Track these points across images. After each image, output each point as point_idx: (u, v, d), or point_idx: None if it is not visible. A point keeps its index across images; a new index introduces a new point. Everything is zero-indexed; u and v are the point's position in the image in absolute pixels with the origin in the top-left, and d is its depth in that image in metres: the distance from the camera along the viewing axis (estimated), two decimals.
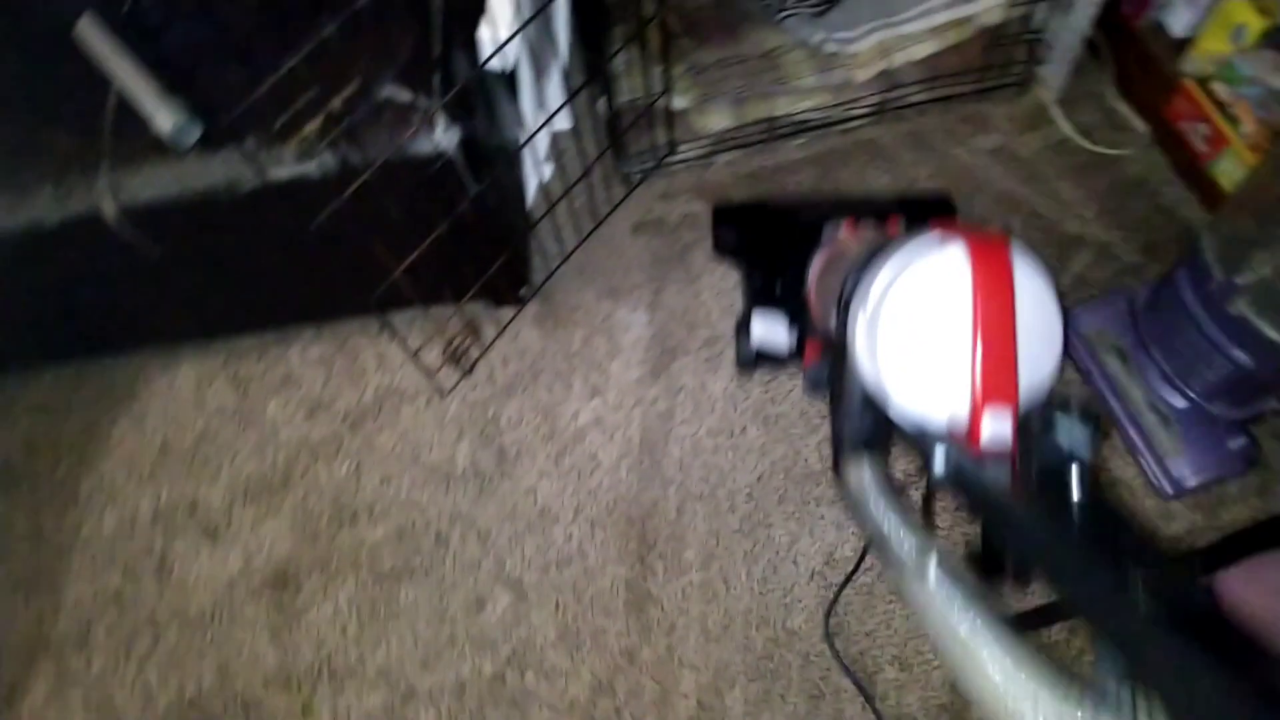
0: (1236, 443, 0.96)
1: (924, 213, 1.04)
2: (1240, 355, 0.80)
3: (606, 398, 1.12)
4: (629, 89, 1.19)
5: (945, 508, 0.98)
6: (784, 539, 1.01)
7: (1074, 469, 0.50)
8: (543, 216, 1.08)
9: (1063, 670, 0.39)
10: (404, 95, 0.81)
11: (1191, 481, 0.96)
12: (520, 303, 1.17)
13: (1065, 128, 1.24)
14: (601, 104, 1.17)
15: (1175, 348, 0.91)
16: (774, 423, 1.07)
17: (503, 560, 1.03)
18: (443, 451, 1.11)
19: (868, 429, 0.67)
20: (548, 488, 1.07)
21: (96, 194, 0.85)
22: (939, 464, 0.57)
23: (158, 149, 0.84)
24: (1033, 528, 0.50)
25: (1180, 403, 0.96)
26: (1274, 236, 0.71)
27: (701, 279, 1.19)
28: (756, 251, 1.06)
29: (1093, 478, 0.50)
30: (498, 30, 0.88)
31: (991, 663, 0.43)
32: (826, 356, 0.78)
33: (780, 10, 1.31)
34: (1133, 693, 0.39)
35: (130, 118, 0.85)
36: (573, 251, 1.20)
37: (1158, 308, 0.92)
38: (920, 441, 0.59)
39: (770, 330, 0.93)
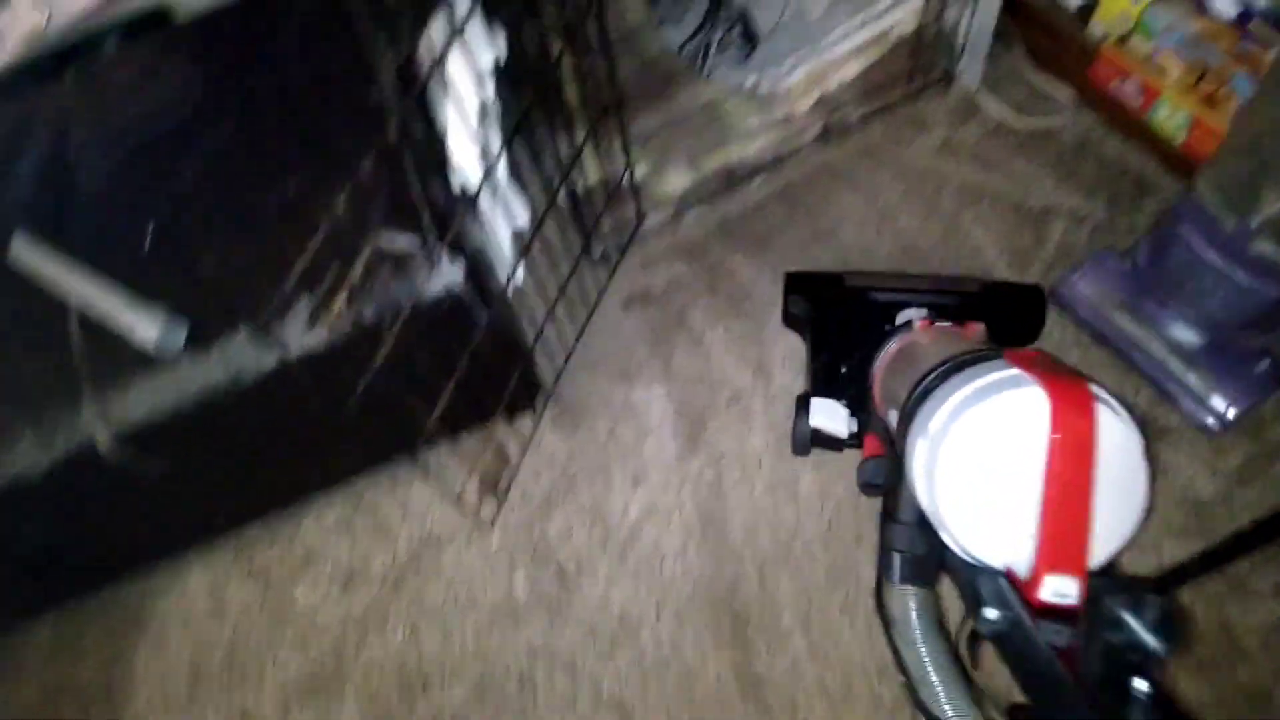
0: (1261, 366, 0.99)
1: (1009, 307, 1.00)
2: (1271, 289, 0.83)
3: (650, 483, 1.08)
4: (586, 173, 1.18)
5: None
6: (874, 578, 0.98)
7: (1139, 678, 0.45)
8: (546, 320, 1.04)
9: None
10: (402, 242, 0.77)
11: (1232, 412, 0.98)
12: (536, 410, 1.13)
13: (997, 111, 1.30)
14: (563, 195, 1.15)
15: (1193, 295, 0.93)
16: (826, 464, 1.05)
17: (598, 684, 0.97)
18: (499, 587, 1.04)
19: (919, 553, 0.62)
20: (620, 594, 1.02)
21: (84, 426, 0.77)
22: (993, 614, 0.53)
23: (142, 361, 0.77)
24: (1060, 694, 0.47)
25: (1199, 340, 0.99)
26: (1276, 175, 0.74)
27: (705, 338, 1.17)
28: (825, 327, 1.01)
29: (1160, 690, 0.44)
30: (467, 152, 0.86)
31: None
32: (885, 461, 0.74)
33: (705, 63, 1.33)
34: None
35: (100, 335, 0.78)
36: (575, 345, 1.17)
37: (1164, 263, 0.95)
38: (972, 580, 0.55)
39: (830, 417, 0.88)
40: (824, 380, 0.94)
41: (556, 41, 0.90)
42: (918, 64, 1.28)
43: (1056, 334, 1.09)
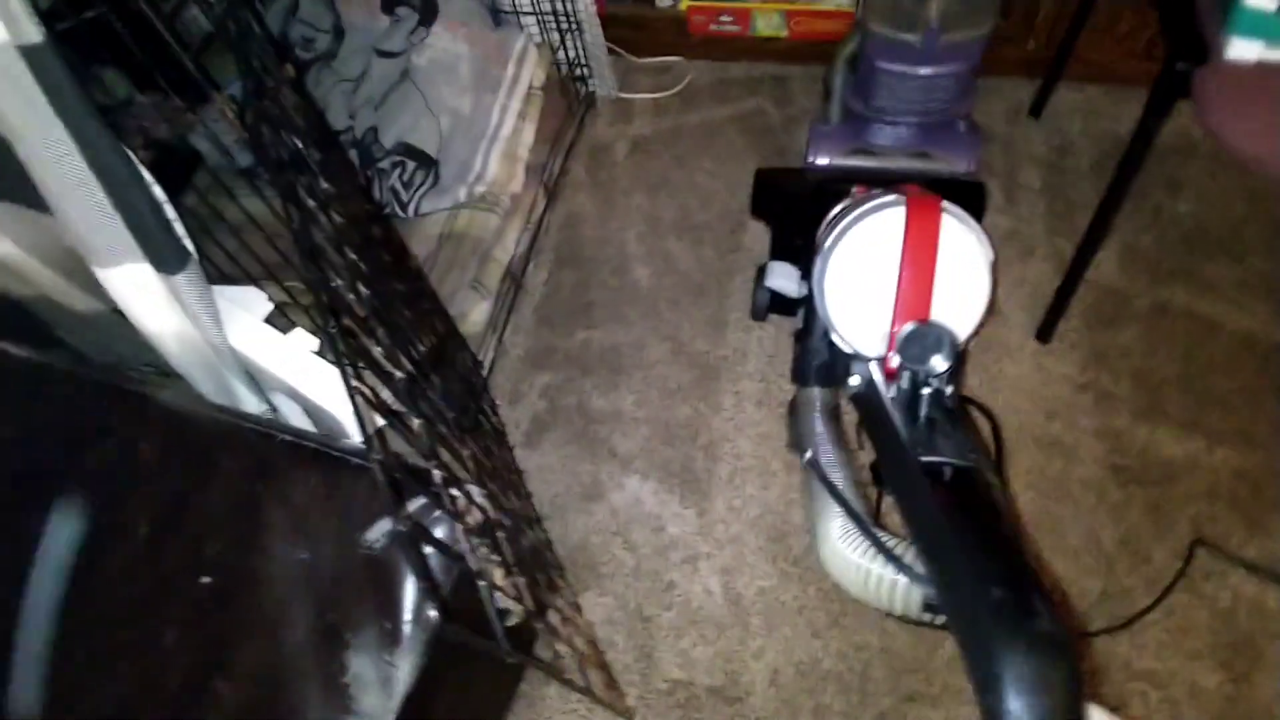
0: (962, 128, 1.25)
1: (949, 196, 1.14)
2: (961, 66, 1.06)
3: (705, 552, 1.01)
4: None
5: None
6: None
7: (928, 386, 0.66)
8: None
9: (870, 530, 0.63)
10: (377, 540, 0.61)
11: (974, 164, 1.23)
12: (560, 591, 0.98)
13: (643, 99, 1.45)
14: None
15: (902, 104, 1.14)
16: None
17: None
18: None
19: (823, 361, 0.83)
20: (777, 652, 0.94)
21: None
22: (854, 380, 0.74)
23: None
24: (882, 424, 0.68)
25: (917, 140, 1.21)
26: None
27: (622, 410, 1.13)
28: (787, 211, 1.11)
29: (940, 390, 0.66)
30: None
31: (824, 520, 0.66)
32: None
33: (404, 206, 1.27)
34: (909, 545, 0.60)
35: None
36: (544, 529, 1.04)
37: (871, 95, 1.14)
38: (848, 365, 0.75)
39: (784, 277, 0.99)
40: (782, 252, 1.03)
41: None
42: (571, 96, 1.38)
43: None
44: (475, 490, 0.63)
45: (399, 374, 0.56)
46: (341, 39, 1.38)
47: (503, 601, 0.53)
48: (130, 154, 0.59)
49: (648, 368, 1.16)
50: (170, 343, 0.69)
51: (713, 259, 1.25)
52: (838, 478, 0.72)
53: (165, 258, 0.63)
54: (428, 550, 0.57)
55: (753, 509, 1.03)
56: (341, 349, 0.47)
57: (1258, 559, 0.92)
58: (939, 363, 0.66)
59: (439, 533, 0.60)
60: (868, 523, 0.64)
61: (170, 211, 0.63)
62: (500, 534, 0.61)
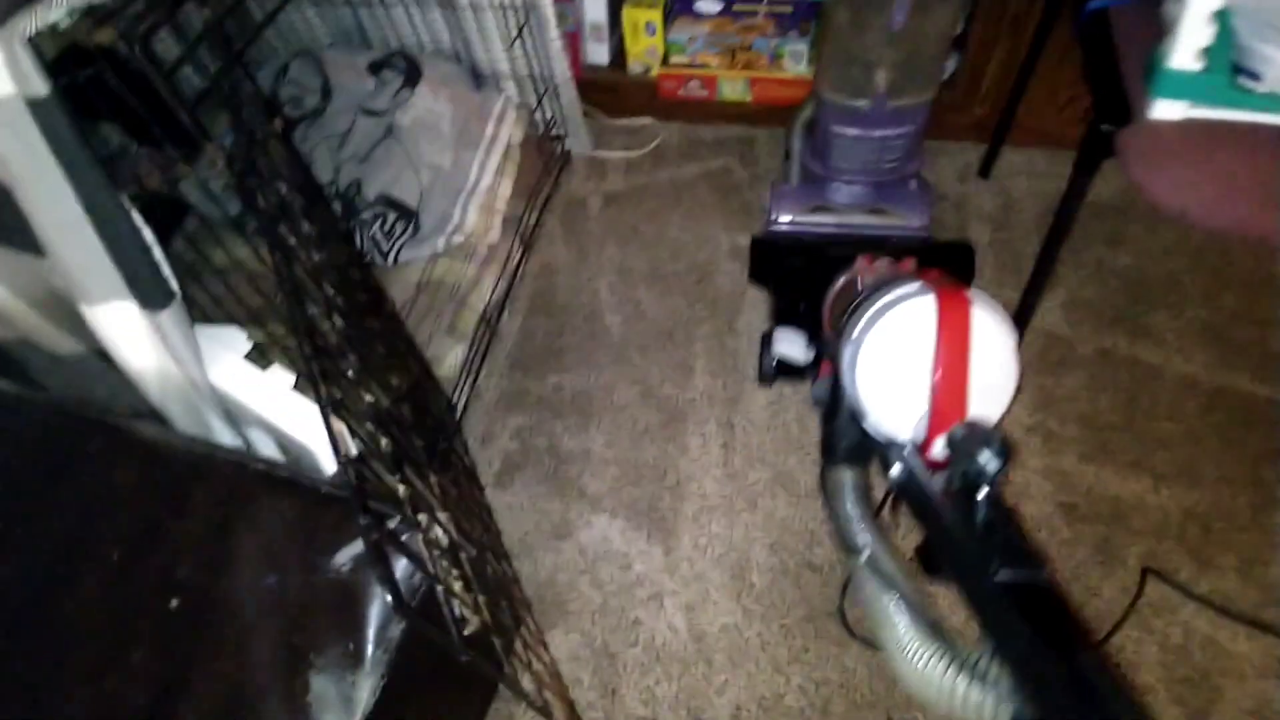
0: (913, 183, 1.33)
1: (943, 258, 1.18)
2: (907, 128, 1.14)
3: (669, 589, 1.03)
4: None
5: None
6: None
7: (984, 487, 0.63)
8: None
9: (946, 640, 0.60)
10: (344, 563, 0.63)
11: (927, 218, 1.31)
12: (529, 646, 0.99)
13: (616, 156, 1.53)
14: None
15: (855, 165, 1.22)
16: (782, 465, 1.12)
17: None
18: None
19: (853, 442, 0.81)
20: (740, 689, 0.95)
21: None
22: (896, 470, 0.73)
23: None
24: (939, 520, 0.67)
25: (872, 197, 1.30)
26: (875, 57, 1.04)
27: (592, 451, 1.16)
28: (786, 278, 1.13)
29: (997, 493, 0.64)
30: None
31: (894, 629, 0.63)
32: (829, 380, 0.87)
33: (385, 255, 1.32)
34: (991, 659, 0.57)
35: None
36: (511, 567, 1.06)
37: (826, 158, 1.22)
38: (884, 452, 0.75)
39: (790, 344, 1.00)
40: (785, 319, 1.06)
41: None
42: (547, 154, 1.45)
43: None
44: (442, 516, 0.66)
45: (369, 397, 0.59)
46: (329, 98, 1.45)
47: (460, 609, 0.55)
48: (124, 200, 0.64)
49: (617, 410, 1.20)
50: (151, 379, 0.72)
51: (681, 307, 1.30)
52: (898, 579, 0.68)
53: (151, 295, 0.67)
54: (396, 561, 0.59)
55: (718, 547, 1.06)
56: (316, 369, 0.51)
57: (1209, 595, 0.96)
58: (990, 461, 0.62)
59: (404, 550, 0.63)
60: (947, 637, 0.61)
61: (158, 253, 0.67)
62: (463, 555, 0.64)
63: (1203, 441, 1.09)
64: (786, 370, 1.06)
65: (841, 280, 0.91)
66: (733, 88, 1.45)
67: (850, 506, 0.78)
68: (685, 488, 1.11)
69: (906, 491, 0.72)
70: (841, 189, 1.30)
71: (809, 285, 0.97)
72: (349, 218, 1.36)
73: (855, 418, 0.77)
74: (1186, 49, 0.78)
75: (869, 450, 0.79)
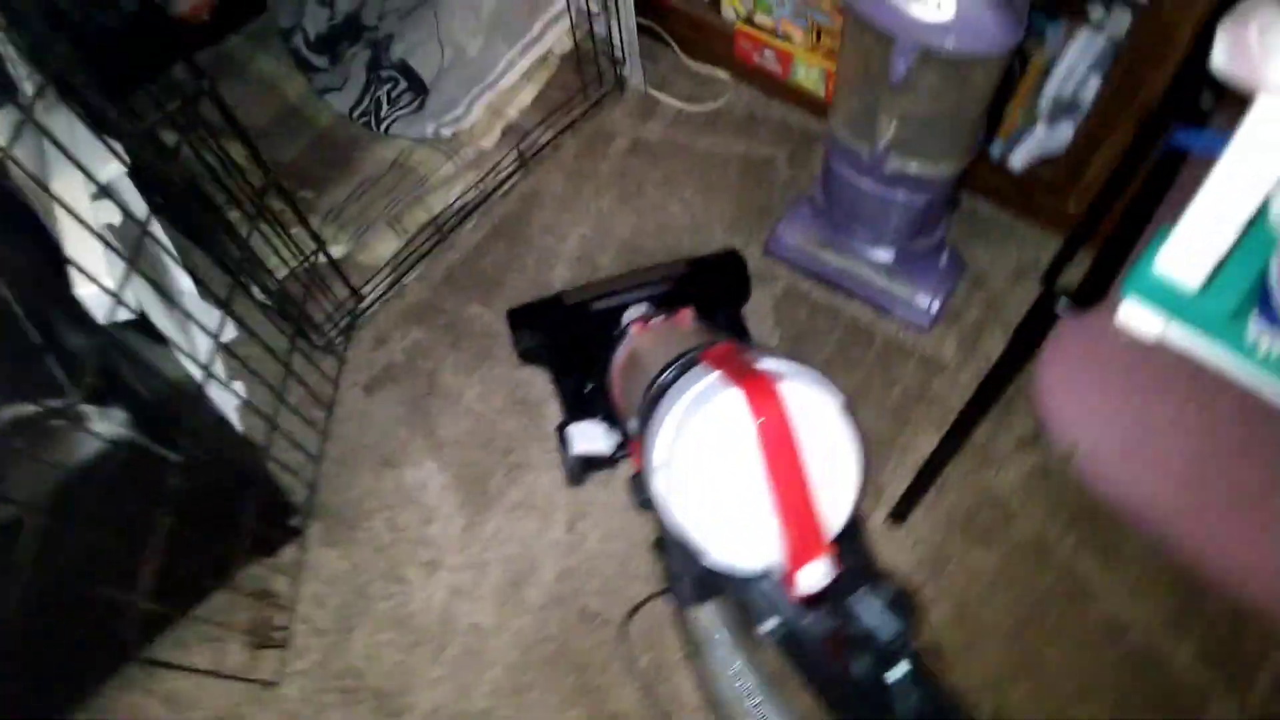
0: (943, 260, 1.11)
1: (716, 278, 1.04)
2: (912, 198, 0.93)
3: (448, 563, 1.00)
4: (278, 266, 1.07)
5: None
6: None
7: (898, 664, 0.47)
8: (273, 432, 0.92)
9: None
10: (28, 408, 0.63)
11: (936, 305, 1.10)
12: (298, 533, 1.00)
13: (671, 103, 1.37)
14: (258, 293, 1.04)
15: (865, 218, 1.03)
16: (615, 480, 1.03)
17: None
18: None
19: (700, 571, 0.60)
20: (451, 691, 0.92)
21: None
22: (767, 626, 0.54)
23: None
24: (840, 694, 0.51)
25: (887, 255, 1.09)
26: (880, 104, 0.83)
27: (463, 396, 1.11)
28: (560, 352, 0.97)
29: (917, 669, 0.47)
30: (100, 281, 0.73)
31: None
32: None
33: (380, 121, 1.28)
34: None
35: None
36: (322, 448, 1.06)
37: (834, 198, 1.04)
38: (743, 592, 0.56)
39: (590, 439, 0.85)
40: (575, 404, 0.91)
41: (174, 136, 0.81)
42: (586, 77, 1.32)
43: (784, 279, 1.17)
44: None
45: None
46: None
47: None
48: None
49: (509, 367, 1.13)
50: None
51: None
52: None
53: None
54: None
55: (513, 546, 1.00)
56: None
57: None
58: (889, 624, 0.47)
59: None
60: None
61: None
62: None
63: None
64: (595, 464, 0.87)
65: (622, 354, 0.77)
66: (807, 74, 1.24)
67: (723, 656, 0.58)
68: (521, 475, 1.05)
69: (788, 647, 0.55)
70: (857, 242, 1.10)
71: (586, 360, 0.82)
72: (372, 69, 1.32)
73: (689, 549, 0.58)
74: (1182, 251, 0.55)
75: (722, 582, 0.59)
